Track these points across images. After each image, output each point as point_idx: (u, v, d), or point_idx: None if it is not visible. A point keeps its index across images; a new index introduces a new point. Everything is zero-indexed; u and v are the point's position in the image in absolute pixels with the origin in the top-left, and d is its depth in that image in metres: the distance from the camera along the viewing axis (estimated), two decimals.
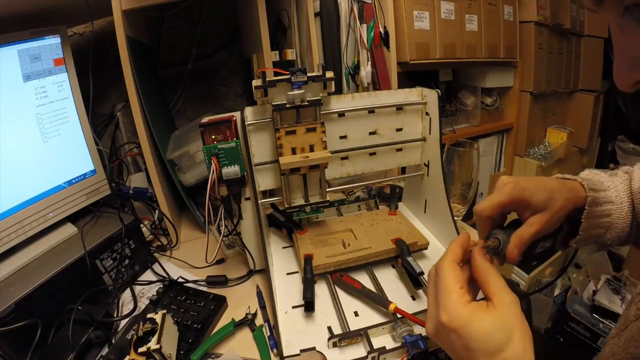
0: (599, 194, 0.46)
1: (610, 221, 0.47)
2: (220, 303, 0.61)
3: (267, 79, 0.57)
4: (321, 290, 0.61)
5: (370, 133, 0.70)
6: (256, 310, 0.60)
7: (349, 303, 0.58)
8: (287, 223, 0.73)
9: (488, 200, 0.43)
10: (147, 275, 0.73)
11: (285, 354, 0.49)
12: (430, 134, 0.70)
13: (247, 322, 0.58)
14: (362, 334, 0.50)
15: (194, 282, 0.68)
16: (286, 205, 0.66)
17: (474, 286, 0.39)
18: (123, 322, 0.59)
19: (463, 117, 1.36)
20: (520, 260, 0.42)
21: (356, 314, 0.56)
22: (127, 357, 0.46)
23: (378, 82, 1.00)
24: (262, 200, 0.65)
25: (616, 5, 0.27)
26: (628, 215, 0.47)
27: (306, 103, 0.60)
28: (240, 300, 0.63)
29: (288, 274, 0.66)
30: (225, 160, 0.59)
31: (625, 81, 0.30)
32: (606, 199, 0.47)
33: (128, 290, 0.66)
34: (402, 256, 0.61)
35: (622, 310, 1.13)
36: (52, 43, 0.66)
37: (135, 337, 0.47)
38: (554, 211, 0.42)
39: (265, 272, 0.62)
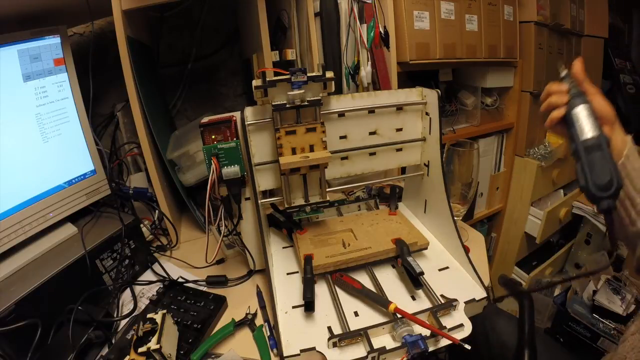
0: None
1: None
2: (220, 303, 0.61)
3: (267, 79, 0.57)
4: (321, 290, 0.61)
5: (370, 133, 0.70)
6: (256, 310, 0.60)
7: (349, 303, 0.58)
8: (287, 223, 0.73)
9: None
10: (147, 275, 0.73)
11: (285, 354, 0.49)
12: (430, 134, 0.70)
13: (247, 322, 0.58)
14: (362, 334, 0.50)
15: (194, 282, 0.68)
16: (286, 205, 0.66)
17: None
18: (123, 322, 0.59)
19: (463, 117, 1.36)
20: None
21: (356, 314, 0.56)
22: (127, 357, 0.46)
23: (378, 82, 1.00)
24: (262, 200, 0.65)
25: None
26: None
27: (306, 103, 0.60)
28: (240, 300, 0.63)
29: (288, 274, 0.66)
30: (225, 160, 0.59)
31: None
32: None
33: (128, 290, 0.66)
34: (402, 256, 0.61)
35: (622, 311, 1.13)
36: (52, 43, 0.66)
37: (135, 337, 0.47)
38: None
39: (265, 272, 0.62)
